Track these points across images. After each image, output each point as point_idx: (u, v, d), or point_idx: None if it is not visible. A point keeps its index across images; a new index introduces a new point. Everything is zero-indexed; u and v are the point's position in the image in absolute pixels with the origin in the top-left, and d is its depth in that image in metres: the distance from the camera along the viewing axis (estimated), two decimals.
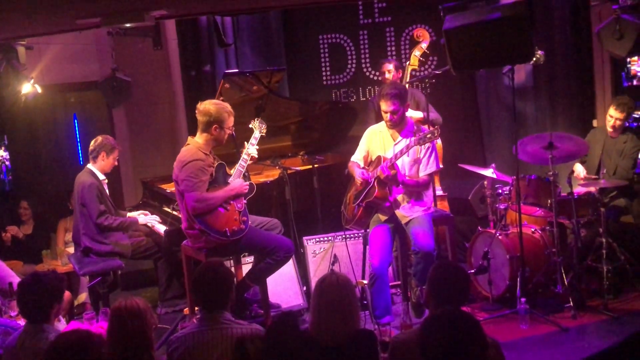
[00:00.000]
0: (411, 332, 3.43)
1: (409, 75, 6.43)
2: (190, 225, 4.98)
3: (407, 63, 6.45)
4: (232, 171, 5.15)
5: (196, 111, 5.05)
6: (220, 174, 5.06)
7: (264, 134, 5.38)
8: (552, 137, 5.53)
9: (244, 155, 5.19)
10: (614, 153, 6.11)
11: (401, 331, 4.70)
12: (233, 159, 5.36)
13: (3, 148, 7.76)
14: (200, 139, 5.06)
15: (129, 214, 6.18)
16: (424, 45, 6.42)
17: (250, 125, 5.36)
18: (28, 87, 6.41)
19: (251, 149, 5.21)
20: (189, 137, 5.17)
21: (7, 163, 7.81)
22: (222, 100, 5.70)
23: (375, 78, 7.46)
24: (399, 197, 5.26)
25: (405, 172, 5.21)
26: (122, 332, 3.39)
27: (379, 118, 5.67)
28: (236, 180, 5.07)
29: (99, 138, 6.01)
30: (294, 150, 6.96)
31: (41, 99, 6.81)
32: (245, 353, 3.21)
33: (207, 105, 5.02)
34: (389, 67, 6.56)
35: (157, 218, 6.14)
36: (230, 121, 5.06)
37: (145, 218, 6.10)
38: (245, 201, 5.07)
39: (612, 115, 6.06)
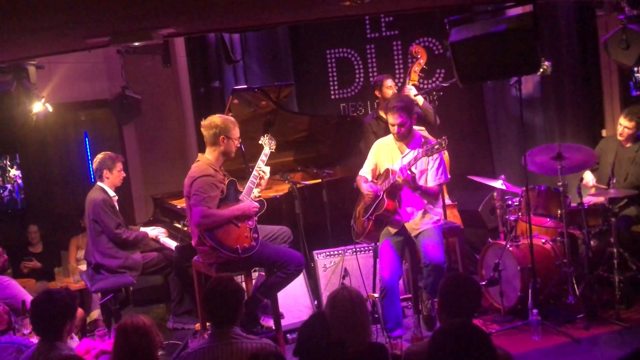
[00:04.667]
0: (423, 344, 3.43)
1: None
2: (201, 242, 5.00)
3: (408, 79, 6.47)
4: (242, 188, 5.18)
5: (201, 128, 5.09)
6: (231, 190, 5.08)
7: (273, 150, 5.40)
8: (560, 147, 5.53)
9: (254, 172, 5.21)
10: (625, 161, 6.08)
11: (413, 343, 4.69)
12: (243, 175, 5.38)
13: (15, 167, 7.83)
14: (210, 155, 5.09)
15: (142, 229, 6.24)
16: (422, 62, 6.46)
17: (260, 142, 5.38)
18: (39, 106, 6.46)
19: (263, 167, 5.22)
20: (199, 154, 5.20)
21: (19, 182, 7.87)
22: (232, 115, 5.74)
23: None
24: (409, 210, 5.26)
25: None
26: (128, 350, 3.40)
27: (377, 138, 5.70)
28: (246, 201, 5.09)
29: (99, 156, 6.06)
30: (303, 165, 6.98)
31: (52, 117, 6.86)
32: None
33: (211, 119, 5.07)
34: (390, 82, 6.55)
35: (163, 230, 6.19)
36: (236, 131, 5.09)
37: (153, 231, 6.16)
38: (256, 218, 5.09)
39: (622, 124, 6.05)
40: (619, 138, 6.11)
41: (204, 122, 5.08)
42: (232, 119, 5.13)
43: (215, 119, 5.06)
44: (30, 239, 7.38)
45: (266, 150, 5.32)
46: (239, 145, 5.16)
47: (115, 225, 5.87)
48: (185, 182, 5.07)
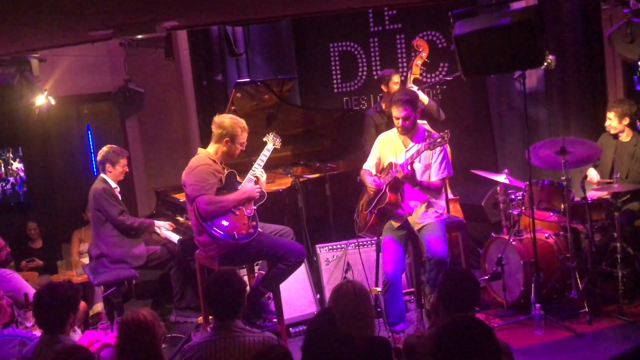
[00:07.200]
0: (423, 337, 3.41)
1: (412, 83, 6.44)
2: (200, 232, 5.02)
3: (409, 72, 6.45)
4: (243, 180, 5.18)
5: (212, 123, 5.12)
6: (230, 181, 5.10)
7: (277, 147, 5.39)
8: (564, 141, 5.51)
9: (252, 169, 5.21)
10: (625, 156, 6.05)
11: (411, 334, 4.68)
12: (244, 168, 5.38)
13: (17, 160, 7.83)
14: (211, 149, 5.13)
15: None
16: (424, 55, 6.43)
17: (265, 139, 5.37)
18: (42, 99, 6.47)
19: (258, 170, 5.21)
20: (199, 149, 5.23)
21: (22, 174, 7.87)
22: (234, 109, 5.75)
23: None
24: (411, 203, 5.25)
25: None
26: (131, 346, 3.40)
27: (379, 132, 5.68)
28: (248, 184, 5.11)
29: (104, 149, 6.02)
30: (305, 158, 6.97)
31: (55, 110, 6.86)
32: None
33: (222, 118, 5.10)
34: (397, 79, 6.51)
35: (167, 224, 6.20)
36: (243, 137, 5.11)
37: (159, 222, 6.17)
38: (254, 207, 5.09)
39: (607, 117, 6.04)
40: (611, 132, 6.08)
41: (215, 119, 5.12)
42: (243, 124, 5.12)
43: (226, 120, 5.08)
44: (30, 235, 7.38)
45: (269, 147, 5.32)
46: (243, 149, 5.18)
47: (118, 212, 5.87)
48: (183, 173, 5.11)
